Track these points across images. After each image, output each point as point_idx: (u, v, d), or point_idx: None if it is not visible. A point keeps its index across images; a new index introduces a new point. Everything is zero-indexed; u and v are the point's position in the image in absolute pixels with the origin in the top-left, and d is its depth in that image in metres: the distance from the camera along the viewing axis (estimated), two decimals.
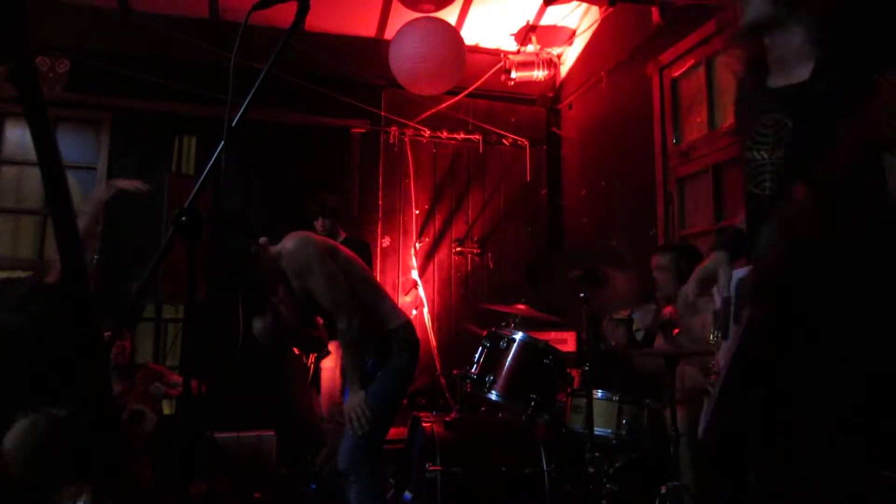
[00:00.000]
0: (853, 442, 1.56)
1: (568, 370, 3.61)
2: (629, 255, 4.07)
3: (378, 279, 5.54)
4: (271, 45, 1.56)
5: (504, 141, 6.10)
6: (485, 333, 3.62)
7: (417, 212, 5.86)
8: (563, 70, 6.19)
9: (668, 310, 3.53)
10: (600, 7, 5.37)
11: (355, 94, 5.61)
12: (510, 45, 5.93)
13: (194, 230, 1.42)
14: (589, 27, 5.73)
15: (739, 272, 1.83)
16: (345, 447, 2.79)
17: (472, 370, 3.51)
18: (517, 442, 3.44)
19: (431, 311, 5.72)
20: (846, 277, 1.60)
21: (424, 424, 3.39)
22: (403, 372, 2.93)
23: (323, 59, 5.44)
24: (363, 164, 5.81)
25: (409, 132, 5.88)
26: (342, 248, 3.02)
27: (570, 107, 6.14)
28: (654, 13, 5.00)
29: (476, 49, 5.89)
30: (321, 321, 3.62)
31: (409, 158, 5.88)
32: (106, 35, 5.19)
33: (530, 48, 5.70)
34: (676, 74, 4.93)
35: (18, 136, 5.19)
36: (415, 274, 5.75)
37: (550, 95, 6.30)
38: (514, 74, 5.60)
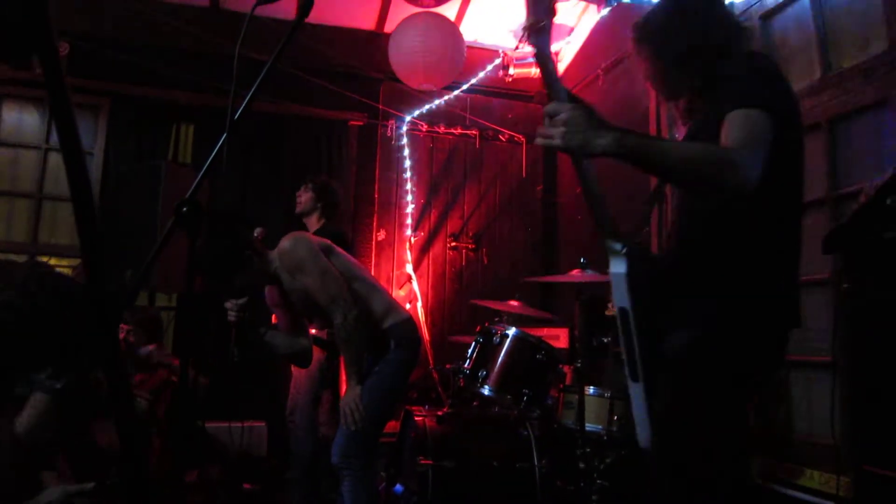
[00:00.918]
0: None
1: (560, 366, 3.64)
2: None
3: (372, 272, 5.57)
4: (272, 35, 1.57)
5: (501, 137, 6.11)
6: (471, 339, 3.64)
7: (413, 206, 5.87)
8: (561, 67, 6.20)
9: None
10: (598, 5, 5.39)
11: (354, 86, 5.60)
12: (509, 42, 5.94)
13: (195, 221, 1.43)
14: (587, 25, 5.75)
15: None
16: (339, 440, 2.79)
17: (465, 365, 3.53)
18: (509, 437, 3.47)
19: (425, 306, 5.74)
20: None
21: (416, 418, 3.42)
22: (401, 368, 2.92)
23: (322, 52, 5.44)
24: (360, 156, 5.81)
25: (407, 126, 5.89)
26: (339, 248, 3.04)
27: None
28: None
29: (475, 45, 5.89)
30: (312, 330, 3.60)
31: (406, 152, 5.88)
32: (106, 20, 5.18)
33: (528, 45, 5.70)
34: None
35: (14, 118, 5.18)
36: (409, 268, 5.76)
37: (545, 92, 6.30)
38: (511, 71, 5.61)
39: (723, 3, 1.90)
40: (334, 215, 4.35)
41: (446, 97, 5.85)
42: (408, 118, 5.87)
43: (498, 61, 5.75)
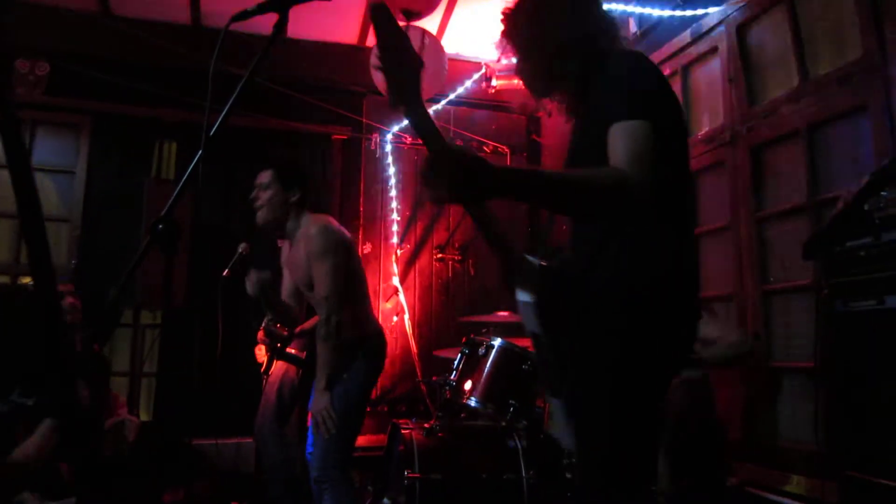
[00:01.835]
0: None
1: None
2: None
3: None
4: (251, 51, 1.57)
5: (485, 148, 6.12)
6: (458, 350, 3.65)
7: (399, 218, 5.88)
8: None
9: None
10: None
11: (336, 100, 5.61)
12: (491, 54, 5.96)
13: (170, 239, 1.43)
14: None
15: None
16: (316, 455, 2.80)
17: (452, 377, 3.53)
18: (496, 448, 3.46)
19: (412, 318, 5.73)
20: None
21: (403, 431, 3.40)
22: (369, 377, 2.98)
23: (304, 66, 5.45)
24: (344, 170, 5.81)
25: (391, 139, 5.90)
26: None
27: (550, 114, 6.15)
28: (630, 23, 5.07)
29: (457, 58, 5.92)
30: (292, 350, 3.68)
31: (391, 165, 5.89)
32: (86, 38, 5.16)
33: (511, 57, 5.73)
34: None
35: None
36: (396, 280, 5.76)
37: (531, 103, 6.33)
38: (494, 82, 5.63)
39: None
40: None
41: (430, 110, 5.85)
42: (392, 131, 5.88)
43: (481, 73, 5.78)
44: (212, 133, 1.58)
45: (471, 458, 3.40)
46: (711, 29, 4.28)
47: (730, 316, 4.06)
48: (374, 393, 5.41)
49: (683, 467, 3.26)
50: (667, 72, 4.81)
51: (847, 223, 2.56)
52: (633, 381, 1.60)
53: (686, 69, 4.65)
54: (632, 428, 1.59)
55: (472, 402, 3.40)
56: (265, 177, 3.09)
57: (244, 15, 1.57)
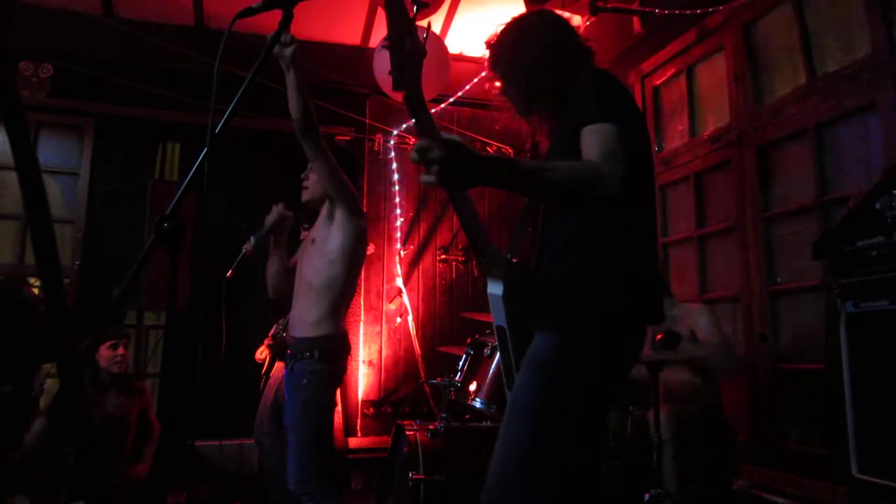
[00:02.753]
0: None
1: None
2: None
3: (362, 287, 5.55)
4: (256, 53, 1.56)
5: (488, 148, 6.10)
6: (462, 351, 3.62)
7: (402, 219, 5.86)
8: None
9: None
10: (582, 16, 5.40)
11: (340, 101, 5.59)
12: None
13: (176, 238, 1.41)
14: None
15: None
16: (291, 468, 2.64)
17: (456, 378, 3.50)
18: None
19: (416, 319, 5.71)
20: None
21: (408, 433, 3.38)
22: (333, 381, 2.81)
23: (307, 67, 5.41)
24: (347, 171, 5.78)
25: (394, 140, 5.88)
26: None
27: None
28: (636, 23, 5.04)
29: (460, 57, 5.90)
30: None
31: (394, 166, 5.87)
32: (90, 40, 5.15)
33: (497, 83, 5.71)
34: (658, 83, 4.97)
35: None
36: (399, 281, 5.74)
37: None
38: (497, 83, 5.60)
39: (568, 24, 2.02)
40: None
41: (433, 110, 5.84)
42: (395, 132, 5.86)
43: (484, 73, 5.75)
44: (216, 132, 1.56)
45: (476, 459, 3.37)
46: (717, 27, 4.26)
47: (735, 318, 4.03)
48: (378, 394, 5.39)
49: (691, 470, 3.24)
50: (672, 71, 4.79)
51: (858, 222, 2.53)
52: (565, 382, 1.64)
53: (691, 68, 4.63)
54: (554, 431, 1.63)
55: (477, 404, 3.37)
56: None
57: (249, 11, 1.56)
